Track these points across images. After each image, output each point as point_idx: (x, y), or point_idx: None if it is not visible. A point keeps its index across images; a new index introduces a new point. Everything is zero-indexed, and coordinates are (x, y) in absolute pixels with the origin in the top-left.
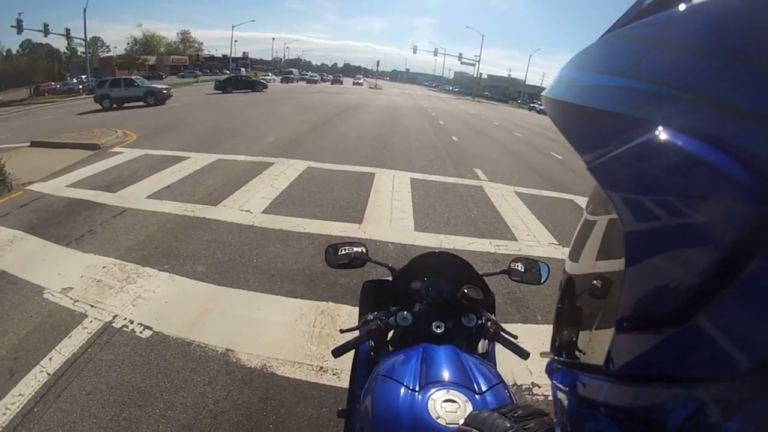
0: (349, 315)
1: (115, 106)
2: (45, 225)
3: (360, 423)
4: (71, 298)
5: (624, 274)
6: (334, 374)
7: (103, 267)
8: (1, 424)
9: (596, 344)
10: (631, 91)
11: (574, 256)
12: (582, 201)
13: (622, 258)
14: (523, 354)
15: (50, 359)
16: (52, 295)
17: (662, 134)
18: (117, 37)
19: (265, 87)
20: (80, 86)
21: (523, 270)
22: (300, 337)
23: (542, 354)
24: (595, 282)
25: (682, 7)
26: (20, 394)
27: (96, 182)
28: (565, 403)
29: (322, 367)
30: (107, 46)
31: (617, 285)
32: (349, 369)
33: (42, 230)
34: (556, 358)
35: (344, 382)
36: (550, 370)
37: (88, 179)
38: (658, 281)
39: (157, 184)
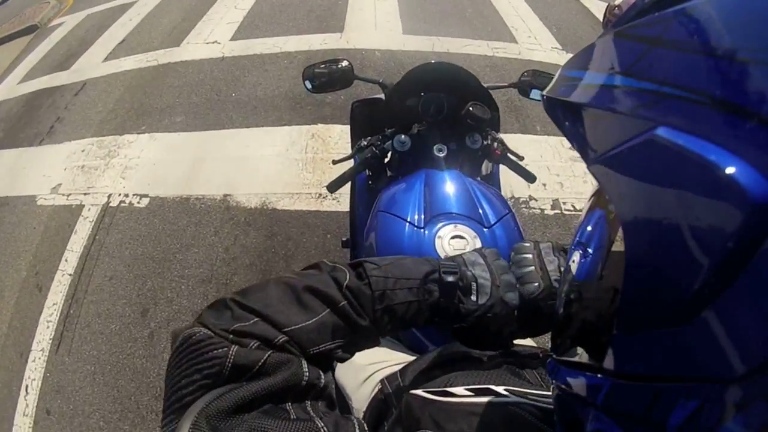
0: (341, 135)
1: None
2: (12, 133)
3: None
4: (63, 194)
5: (624, 272)
6: (333, 199)
7: (83, 151)
8: (49, 337)
9: (597, 344)
10: (631, 90)
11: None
12: (589, 2)
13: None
14: (530, 177)
15: (66, 260)
16: (45, 199)
17: (662, 133)
18: None
19: None
20: None
21: (534, 82)
22: (294, 167)
23: (542, 353)
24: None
25: (681, 6)
26: (54, 304)
27: (46, 66)
28: (565, 402)
29: (320, 194)
30: None
31: (620, 277)
32: (349, 193)
33: (11, 139)
34: (556, 356)
35: (345, 206)
36: (550, 369)
37: (38, 66)
38: (659, 280)
39: (110, 43)
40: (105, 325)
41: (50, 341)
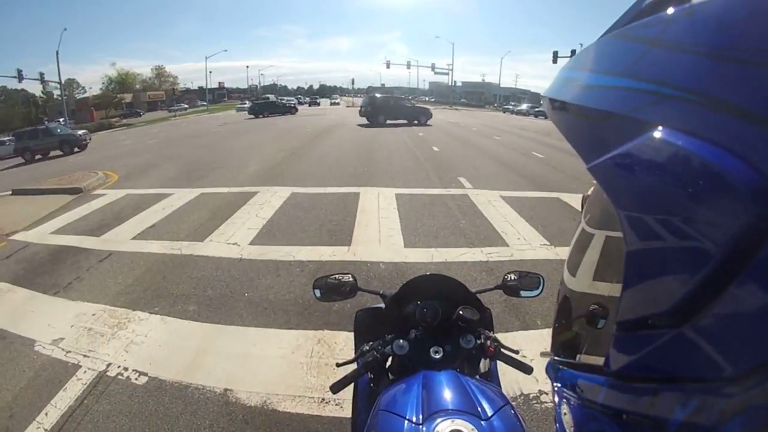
0: (346, 341)
1: None
2: (31, 275)
3: None
4: (63, 349)
5: (624, 272)
6: (336, 405)
7: (93, 314)
8: None
9: (596, 345)
10: (630, 90)
11: (572, 268)
12: (567, 197)
13: (620, 283)
14: (526, 369)
15: (46, 414)
16: (44, 348)
17: (662, 134)
18: (92, 78)
19: (296, 110)
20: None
21: (517, 283)
22: (299, 370)
23: (542, 354)
24: (593, 298)
25: (681, 7)
26: None
27: (80, 227)
28: (566, 403)
29: (323, 399)
30: (83, 88)
31: (616, 292)
32: (351, 397)
33: (29, 281)
34: (556, 358)
35: (347, 412)
36: (550, 371)
37: (72, 224)
38: (658, 281)
39: (142, 224)
40: None
41: None
